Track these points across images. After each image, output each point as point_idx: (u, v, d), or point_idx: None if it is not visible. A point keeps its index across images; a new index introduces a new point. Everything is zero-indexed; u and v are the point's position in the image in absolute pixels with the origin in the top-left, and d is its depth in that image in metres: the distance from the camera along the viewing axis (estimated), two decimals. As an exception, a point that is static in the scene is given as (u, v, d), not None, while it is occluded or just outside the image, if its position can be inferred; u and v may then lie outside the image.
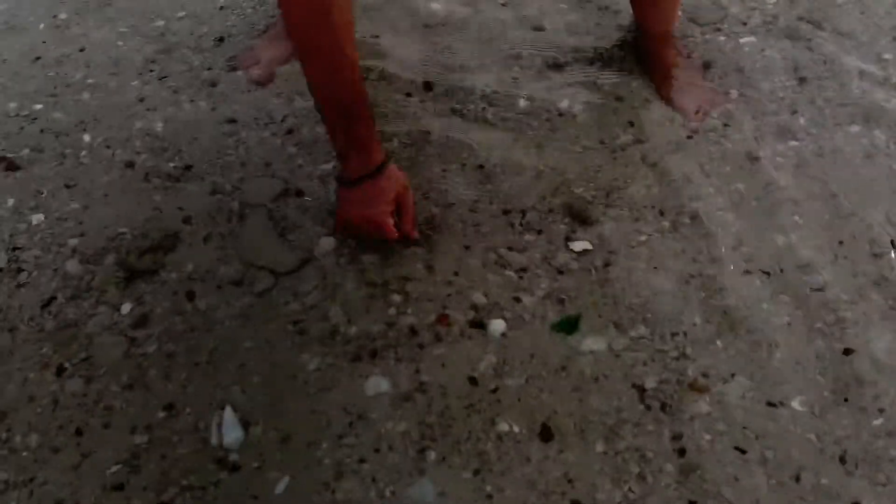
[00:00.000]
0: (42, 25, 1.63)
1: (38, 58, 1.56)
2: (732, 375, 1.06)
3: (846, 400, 1.04)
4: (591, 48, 1.52)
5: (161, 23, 1.62)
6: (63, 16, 1.66)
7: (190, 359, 1.10)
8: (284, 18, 1.09)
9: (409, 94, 1.45)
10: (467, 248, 1.22)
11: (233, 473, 0.99)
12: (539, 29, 1.57)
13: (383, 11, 1.62)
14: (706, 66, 1.48)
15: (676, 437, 1.01)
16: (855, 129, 1.36)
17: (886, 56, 1.47)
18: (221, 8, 1.65)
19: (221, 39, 1.58)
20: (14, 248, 1.24)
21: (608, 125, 1.39)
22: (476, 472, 0.98)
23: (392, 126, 1.39)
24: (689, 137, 1.36)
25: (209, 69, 1.52)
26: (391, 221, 1.15)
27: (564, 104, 1.42)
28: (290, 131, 1.40)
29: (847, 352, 1.08)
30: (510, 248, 1.21)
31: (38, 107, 1.46)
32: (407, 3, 1.63)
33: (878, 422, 1.02)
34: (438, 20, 1.59)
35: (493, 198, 1.28)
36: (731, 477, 0.97)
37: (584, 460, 0.99)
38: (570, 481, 0.97)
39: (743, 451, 0.99)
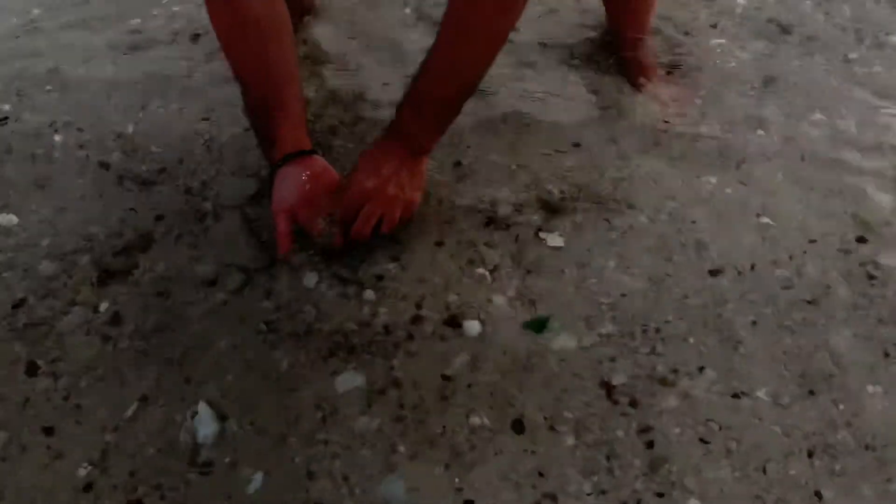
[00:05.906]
0: (14, 21, 1.62)
1: (8, 56, 1.54)
2: (701, 370, 1.08)
3: (811, 393, 1.06)
4: (564, 47, 1.53)
5: (137, 21, 1.61)
6: (36, 11, 1.64)
7: (163, 357, 1.10)
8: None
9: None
10: (440, 244, 1.23)
11: (205, 471, 0.99)
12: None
13: (356, 10, 1.62)
14: (677, 66, 1.50)
15: (644, 431, 1.02)
16: (818, 117, 1.38)
17: (852, 55, 1.50)
18: (199, 6, 1.65)
19: (197, 36, 1.58)
20: (-16, 248, 1.23)
21: (581, 123, 1.40)
22: (447, 467, 0.99)
23: (367, 123, 1.39)
24: (661, 136, 1.38)
25: (184, 68, 1.51)
26: (283, 222, 1.16)
27: (537, 103, 1.43)
28: (264, 130, 1.39)
29: (814, 348, 1.10)
30: (485, 245, 1.22)
31: (7, 107, 1.44)
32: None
33: (836, 413, 1.04)
34: (411, 21, 1.60)
35: (467, 195, 1.29)
36: (697, 468, 0.99)
37: (555, 454, 1.00)
38: (541, 474, 0.98)
39: (707, 443, 1.01)
